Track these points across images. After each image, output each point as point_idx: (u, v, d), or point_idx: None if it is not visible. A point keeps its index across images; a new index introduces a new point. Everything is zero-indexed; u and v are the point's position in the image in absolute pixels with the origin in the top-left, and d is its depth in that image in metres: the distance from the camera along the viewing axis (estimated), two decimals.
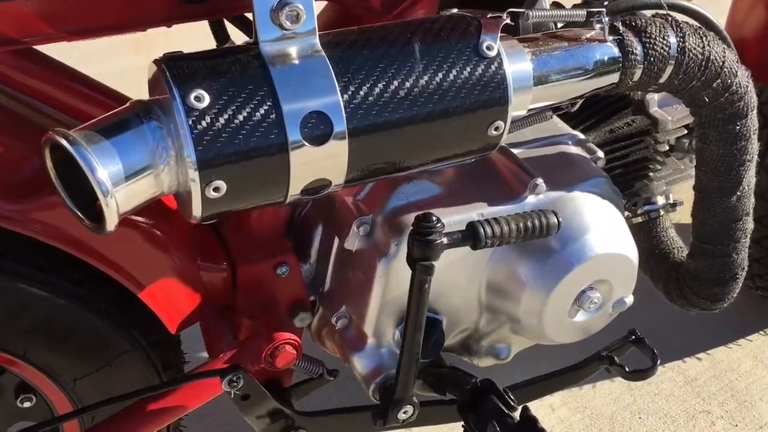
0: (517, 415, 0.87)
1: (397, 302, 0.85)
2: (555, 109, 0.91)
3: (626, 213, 1.12)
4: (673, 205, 1.12)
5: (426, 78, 0.65)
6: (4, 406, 0.88)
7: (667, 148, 1.05)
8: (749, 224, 0.95)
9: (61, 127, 0.58)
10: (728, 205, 0.92)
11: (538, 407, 1.31)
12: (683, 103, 0.88)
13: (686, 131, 1.05)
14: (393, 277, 0.83)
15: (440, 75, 0.65)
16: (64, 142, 0.55)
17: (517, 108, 0.71)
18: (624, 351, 0.96)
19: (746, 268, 0.99)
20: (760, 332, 1.47)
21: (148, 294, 0.78)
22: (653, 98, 1.02)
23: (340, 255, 0.88)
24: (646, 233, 1.12)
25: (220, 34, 0.86)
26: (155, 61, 0.60)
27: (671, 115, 1.02)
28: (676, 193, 1.15)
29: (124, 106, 0.60)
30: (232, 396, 0.81)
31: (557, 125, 0.95)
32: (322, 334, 0.94)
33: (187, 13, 0.69)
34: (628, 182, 1.07)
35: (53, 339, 0.80)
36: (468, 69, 0.66)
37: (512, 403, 0.87)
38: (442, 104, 0.65)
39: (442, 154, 0.69)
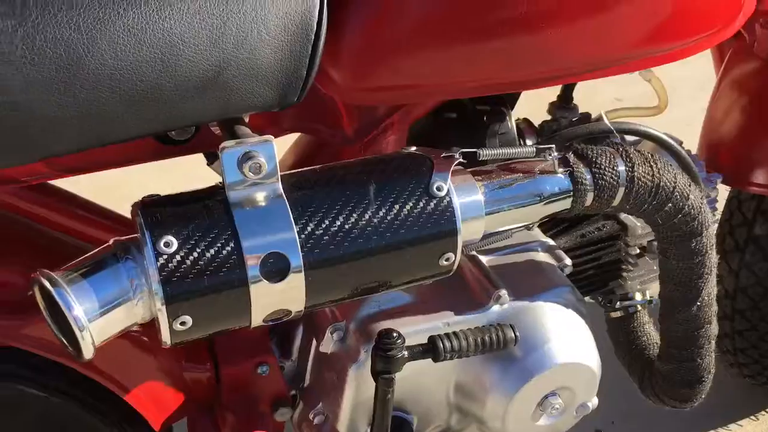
0: None
1: (368, 403, 0.90)
2: None
3: (603, 308, 1.16)
4: (650, 302, 1.16)
5: (379, 215, 0.71)
6: None
7: (639, 251, 1.10)
8: (712, 330, 0.98)
9: (68, 250, 0.65)
10: (690, 314, 0.96)
11: None
12: None
13: None
14: (363, 382, 0.88)
15: (392, 213, 0.72)
16: (46, 283, 0.63)
17: (469, 236, 0.77)
18: None
19: (713, 371, 1.02)
20: (751, 417, 1.49)
21: (133, 396, 0.85)
22: None
23: (317, 356, 0.94)
24: (623, 328, 1.16)
25: (209, 154, 0.94)
26: (134, 204, 0.68)
27: (640, 221, 1.07)
28: (654, 289, 1.19)
29: (106, 244, 0.68)
30: None
31: (529, 232, 1.01)
32: (302, 427, 1.00)
33: (170, 151, 0.77)
34: (602, 282, 1.11)
35: None
36: (419, 207, 0.72)
37: None
38: (394, 239, 0.72)
39: (396, 282, 0.75)
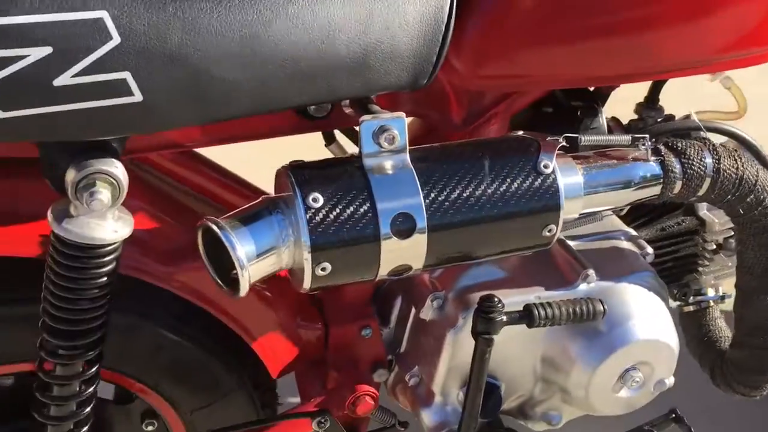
0: None
1: (462, 367, 0.99)
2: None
3: (677, 302, 1.23)
4: (722, 298, 1.23)
5: (492, 188, 0.81)
6: (132, 428, 1.07)
7: (715, 246, 1.17)
8: None
9: (208, 211, 0.76)
10: (765, 303, 1.03)
11: None
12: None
13: (733, 233, 1.16)
14: (459, 346, 0.98)
15: (504, 185, 0.81)
16: (214, 227, 0.74)
17: (569, 213, 0.86)
18: (664, 426, 1.07)
19: None
20: None
21: (258, 344, 0.96)
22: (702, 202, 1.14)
23: (415, 323, 1.04)
24: (695, 322, 1.23)
25: (328, 137, 1.05)
26: (283, 168, 0.79)
27: (718, 218, 1.14)
28: (727, 286, 1.25)
29: (258, 200, 0.79)
30: None
31: (613, 221, 1.09)
32: (396, 390, 1.09)
33: (309, 126, 0.88)
34: (678, 275, 1.19)
35: (180, 375, 0.99)
36: (527, 182, 0.82)
37: None
38: (505, 209, 0.81)
39: (503, 249, 0.85)
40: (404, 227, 0.78)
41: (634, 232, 1.08)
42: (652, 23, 0.84)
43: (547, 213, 0.83)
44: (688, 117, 1.02)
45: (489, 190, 0.81)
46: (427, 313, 1.00)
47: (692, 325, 1.23)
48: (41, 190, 0.76)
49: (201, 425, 1.03)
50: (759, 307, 1.03)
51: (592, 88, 1.05)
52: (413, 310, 1.04)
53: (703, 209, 1.14)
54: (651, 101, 1.10)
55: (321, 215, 0.75)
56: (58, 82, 0.63)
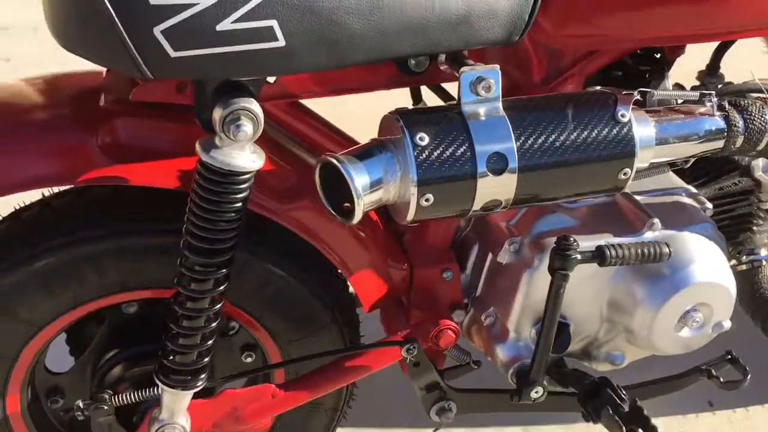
0: (626, 406, 1.09)
1: (535, 306, 1.09)
2: (672, 165, 1.14)
3: (732, 260, 1.32)
4: None
5: (575, 135, 0.91)
6: (232, 358, 1.19)
7: None
8: None
9: (314, 158, 0.87)
10: None
11: None
12: None
13: None
14: (533, 285, 1.08)
15: (585, 133, 0.91)
16: (335, 161, 0.86)
17: (642, 161, 0.96)
18: (721, 367, 1.16)
19: None
20: None
21: (354, 278, 1.07)
22: (758, 164, 1.23)
23: (492, 267, 1.14)
24: (749, 280, 1.32)
25: (416, 95, 1.16)
26: (389, 114, 0.90)
27: None
28: None
29: (368, 142, 0.90)
30: (407, 362, 1.08)
31: (674, 180, 1.18)
32: (471, 331, 1.20)
33: (409, 81, 0.99)
34: (733, 233, 1.27)
35: (282, 309, 1.10)
36: (606, 130, 0.92)
37: (623, 396, 1.09)
38: (586, 154, 0.91)
39: (583, 190, 0.95)
40: (498, 166, 0.88)
41: (694, 190, 1.17)
42: None
43: (623, 158, 0.93)
44: (745, 81, 1.11)
45: (572, 136, 0.91)
46: (504, 256, 1.10)
47: (746, 283, 1.32)
48: (184, 132, 0.88)
49: (296, 355, 1.14)
50: None
51: (658, 55, 1.15)
52: (490, 256, 1.14)
53: (759, 170, 1.23)
54: (712, 68, 1.19)
55: (426, 153, 0.86)
56: (220, 27, 0.75)
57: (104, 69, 0.98)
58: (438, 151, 0.87)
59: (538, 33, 0.95)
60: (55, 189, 1.02)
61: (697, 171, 1.23)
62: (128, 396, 1.04)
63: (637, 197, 1.13)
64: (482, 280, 1.16)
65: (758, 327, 1.30)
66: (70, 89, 0.97)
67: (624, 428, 1.05)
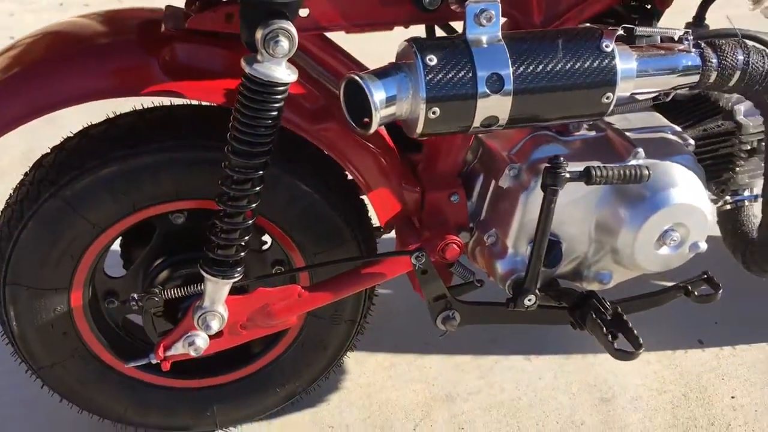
0: (609, 314, 1.23)
1: (531, 224, 1.24)
2: (658, 106, 1.28)
3: (717, 200, 1.45)
4: (756, 197, 1.44)
5: (564, 62, 1.06)
6: (265, 270, 1.35)
7: (749, 148, 1.38)
8: None
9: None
10: None
11: (636, 360, 1.64)
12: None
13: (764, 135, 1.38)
14: (530, 205, 1.23)
15: (573, 59, 1.06)
16: (357, 78, 1.01)
17: (623, 89, 1.10)
18: (697, 285, 1.30)
19: None
20: None
21: (372, 195, 1.23)
22: (740, 107, 1.36)
23: (494, 192, 1.29)
24: (731, 218, 1.45)
25: (429, 32, 1.31)
26: (405, 41, 1.06)
27: (753, 122, 1.35)
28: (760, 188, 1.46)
29: (387, 65, 1.05)
30: (416, 269, 1.24)
31: (660, 120, 1.32)
32: (475, 252, 1.35)
33: (424, 18, 1.14)
34: (717, 172, 1.40)
35: (308, 223, 1.26)
36: (591, 58, 1.06)
37: (607, 306, 1.24)
38: (574, 78, 1.06)
39: (571, 112, 1.10)
40: (495, 87, 1.03)
41: (678, 128, 1.31)
42: None
43: (606, 84, 1.08)
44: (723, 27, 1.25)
45: (561, 64, 1.06)
46: (505, 181, 1.25)
47: (728, 221, 1.45)
48: (232, 56, 1.04)
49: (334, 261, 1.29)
50: None
51: (649, 6, 1.28)
52: (493, 183, 1.29)
53: (740, 114, 1.36)
54: (698, 19, 1.32)
55: (434, 73, 1.02)
56: None
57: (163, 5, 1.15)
58: (444, 72, 1.02)
59: None
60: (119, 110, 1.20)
61: (684, 113, 1.37)
62: (176, 291, 1.22)
63: (629, 132, 1.28)
64: (486, 205, 1.31)
65: (738, 260, 1.43)
66: (135, 20, 1.15)
67: (605, 329, 1.19)
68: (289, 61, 1.01)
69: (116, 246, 1.32)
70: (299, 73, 1.15)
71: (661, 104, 1.31)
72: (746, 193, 1.44)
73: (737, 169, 1.39)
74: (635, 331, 1.20)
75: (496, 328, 1.62)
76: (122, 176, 1.16)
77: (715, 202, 1.45)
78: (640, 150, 1.22)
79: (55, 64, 1.08)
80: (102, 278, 1.33)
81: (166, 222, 1.28)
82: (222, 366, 1.41)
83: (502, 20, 1.23)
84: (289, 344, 1.40)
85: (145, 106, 1.22)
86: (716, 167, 1.40)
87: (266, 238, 1.35)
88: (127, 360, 1.28)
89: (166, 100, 1.18)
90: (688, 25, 1.34)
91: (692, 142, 1.28)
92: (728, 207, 1.45)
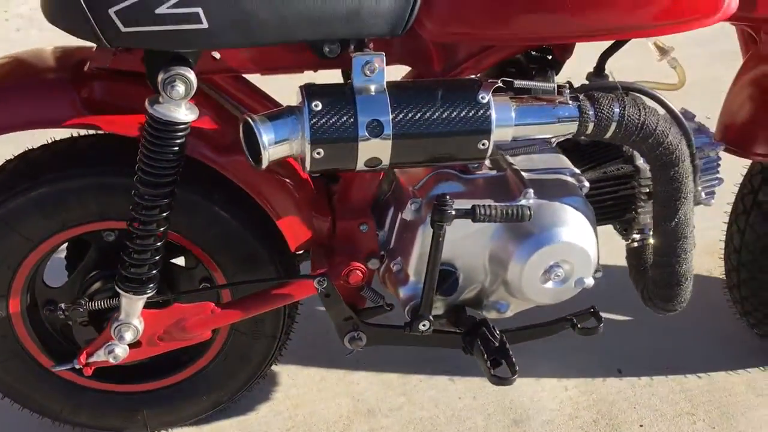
0: (496, 342, 1.32)
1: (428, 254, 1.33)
2: (565, 148, 1.37)
3: (627, 237, 1.52)
4: None
5: (442, 111, 1.16)
6: (192, 287, 1.46)
7: (648, 191, 1.45)
8: (688, 244, 1.34)
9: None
10: (670, 229, 1.33)
11: (553, 386, 1.72)
12: None
13: None
14: (427, 238, 1.32)
15: (450, 110, 1.16)
16: (250, 120, 1.13)
17: (500, 136, 1.20)
18: (584, 318, 1.38)
19: (690, 279, 1.37)
20: (760, 368, 1.77)
21: (281, 223, 1.33)
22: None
23: (400, 223, 1.39)
24: (636, 255, 1.53)
25: (346, 78, 1.42)
26: (300, 86, 1.17)
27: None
28: None
29: (282, 107, 1.17)
30: (319, 292, 1.34)
31: (562, 160, 1.41)
32: (385, 277, 1.45)
33: (326, 65, 1.25)
34: (619, 213, 1.48)
35: (227, 246, 1.36)
36: (468, 108, 1.16)
37: (496, 335, 1.33)
38: (450, 127, 1.16)
39: (449, 155, 1.19)
40: (375, 132, 1.14)
41: (576, 170, 1.39)
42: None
43: (481, 132, 1.17)
44: (609, 80, 1.33)
45: (439, 112, 1.16)
46: (408, 214, 1.35)
47: (633, 258, 1.53)
48: (144, 93, 1.16)
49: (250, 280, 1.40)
50: (664, 231, 1.33)
51: (550, 57, 1.38)
52: (399, 214, 1.39)
53: (639, 159, 1.44)
54: (599, 70, 1.41)
55: (319, 117, 1.13)
56: (158, 11, 1.03)
57: (94, 45, 1.27)
58: (328, 117, 1.13)
59: (423, 30, 1.20)
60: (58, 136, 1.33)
61: (587, 156, 1.45)
62: (99, 303, 1.34)
63: (526, 173, 1.37)
64: (394, 235, 1.41)
65: (639, 294, 1.50)
66: (65, 59, 1.27)
67: (486, 356, 1.28)
68: (205, 99, 1.13)
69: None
70: (215, 110, 1.27)
71: (566, 146, 1.41)
72: (649, 231, 1.51)
73: (639, 210, 1.47)
74: (513, 359, 1.28)
75: (428, 348, 1.72)
76: (52, 197, 1.29)
77: (625, 239, 1.53)
78: (530, 190, 1.31)
79: None
80: (41, 287, 1.45)
81: (99, 238, 1.40)
82: (153, 373, 1.52)
83: (407, 70, 1.35)
84: (214, 356, 1.51)
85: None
86: (618, 208, 1.48)
87: None
88: (56, 364, 1.40)
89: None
90: (589, 75, 1.43)
91: (587, 184, 1.37)
92: (635, 245, 1.53)
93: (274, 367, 1.72)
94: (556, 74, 1.38)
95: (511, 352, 1.30)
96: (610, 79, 1.42)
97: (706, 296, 1.85)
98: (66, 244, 1.44)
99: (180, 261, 1.49)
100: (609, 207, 1.47)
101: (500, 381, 1.28)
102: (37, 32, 3.20)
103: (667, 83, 1.46)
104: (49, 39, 1.42)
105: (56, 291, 1.46)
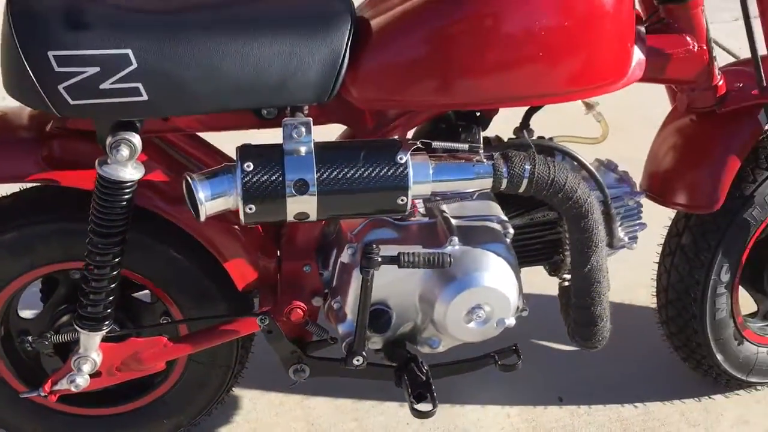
0: (423, 377, 1.44)
1: None
2: (500, 196, 1.48)
3: (558, 276, 1.63)
4: None
5: (363, 170, 1.28)
6: (153, 320, 1.60)
7: None
8: (603, 288, 1.45)
9: (197, 170, 1.28)
10: (584, 274, 1.44)
11: (497, 413, 1.83)
12: None
13: None
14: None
15: (371, 169, 1.28)
16: (188, 178, 1.26)
17: (419, 192, 1.32)
18: (506, 355, 1.50)
19: (606, 319, 1.48)
20: (694, 398, 1.87)
21: (228, 265, 1.46)
22: None
23: (341, 266, 1.51)
24: (565, 294, 1.63)
25: None
26: (236, 147, 1.29)
27: None
28: None
29: (219, 166, 1.29)
30: (262, 329, 1.47)
31: (492, 208, 1.52)
32: (328, 314, 1.57)
33: (266, 125, 1.37)
34: (547, 255, 1.60)
35: (181, 284, 1.50)
36: (387, 167, 1.28)
37: (423, 369, 1.44)
38: (371, 184, 1.28)
39: (371, 210, 1.32)
40: (301, 190, 1.26)
41: (504, 217, 1.51)
42: (486, 72, 1.28)
43: (399, 189, 1.29)
44: (522, 137, 1.45)
45: (361, 171, 1.28)
46: (345, 257, 1.47)
47: (563, 296, 1.64)
48: (98, 152, 1.30)
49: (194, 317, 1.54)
50: (578, 276, 1.44)
51: (478, 113, 1.50)
52: (339, 257, 1.52)
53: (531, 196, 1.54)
54: (524, 125, 1.53)
55: (250, 176, 1.25)
56: (102, 86, 1.16)
57: None
58: (258, 177, 1.25)
59: (350, 96, 1.33)
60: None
61: (517, 203, 1.56)
62: (63, 336, 1.47)
63: (456, 220, 1.49)
64: (335, 275, 1.53)
65: (567, 329, 1.61)
66: (31, 119, 1.41)
67: (410, 390, 1.40)
68: (158, 153, 1.26)
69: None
70: (167, 164, 1.41)
71: (498, 193, 1.52)
72: None
73: (565, 253, 1.58)
74: (435, 395, 1.40)
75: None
76: (21, 241, 1.43)
77: (558, 278, 1.65)
78: (455, 238, 1.43)
79: None
80: (15, 319, 1.59)
81: (66, 276, 1.54)
82: (119, 398, 1.65)
83: (343, 128, 1.47)
84: (174, 383, 1.64)
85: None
86: (545, 251, 1.59)
87: None
88: (24, 391, 1.53)
89: None
90: (516, 130, 1.55)
91: (511, 231, 1.48)
92: (565, 284, 1.63)
93: (236, 391, 1.85)
94: (483, 130, 1.50)
95: (433, 387, 1.42)
96: (535, 134, 1.54)
97: (647, 328, 1.95)
98: (40, 280, 1.58)
99: (145, 295, 1.62)
100: (537, 250, 1.59)
101: (420, 414, 1.39)
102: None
103: (589, 137, 1.57)
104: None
105: (29, 322, 1.59)
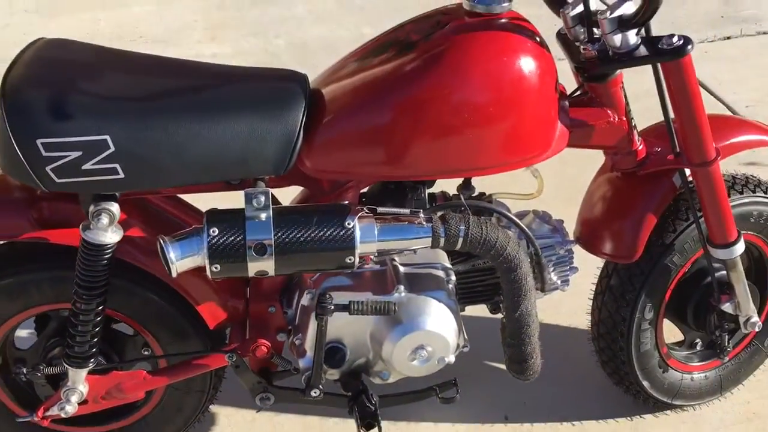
0: (372, 406, 1.63)
1: None
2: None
3: (495, 314, 1.82)
4: None
5: (316, 232, 1.46)
6: (135, 352, 1.79)
7: None
8: (532, 330, 1.63)
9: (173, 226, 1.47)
10: (514, 318, 1.62)
11: (447, 429, 2.02)
12: None
13: None
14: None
15: (323, 231, 1.46)
16: (160, 240, 1.44)
17: (365, 251, 1.50)
18: (447, 387, 1.69)
19: (536, 357, 1.67)
20: (627, 418, 2.06)
21: (200, 308, 1.65)
22: None
23: (301, 308, 1.70)
24: (504, 330, 1.82)
25: None
26: (205, 212, 1.47)
27: None
28: None
29: (189, 229, 1.48)
30: (230, 364, 1.66)
31: (438, 256, 1.71)
32: (291, 348, 1.76)
33: (235, 188, 1.55)
34: (487, 297, 1.78)
35: (160, 322, 1.69)
36: (336, 230, 1.46)
37: (372, 400, 1.64)
38: (322, 245, 1.46)
39: (323, 267, 1.50)
40: (260, 252, 1.44)
41: (448, 264, 1.69)
42: (429, 146, 1.46)
43: (347, 249, 1.48)
44: (460, 198, 1.64)
45: (313, 233, 1.46)
46: (305, 300, 1.66)
47: (503, 332, 1.82)
48: (81, 210, 1.48)
49: (173, 351, 1.72)
50: (511, 319, 1.63)
51: None
52: (301, 300, 1.70)
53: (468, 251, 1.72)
54: (466, 184, 1.71)
55: (215, 239, 1.44)
56: (84, 167, 1.34)
57: None
58: (222, 240, 1.44)
59: (304, 167, 1.50)
60: None
61: (461, 251, 1.75)
62: (54, 369, 1.66)
63: (404, 267, 1.67)
64: (297, 316, 1.72)
65: (505, 362, 1.80)
66: (21, 184, 1.59)
67: (359, 419, 1.59)
68: (139, 212, 1.44)
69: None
70: (146, 221, 1.59)
71: None
72: None
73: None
74: (381, 425, 1.59)
75: None
76: (16, 286, 1.61)
77: (501, 315, 1.83)
78: (401, 286, 1.61)
79: None
80: (12, 351, 1.78)
81: (57, 314, 1.73)
82: (107, 418, 1.85)
83: (302, 189, 1.65)
84: (154, 406, 1.83)
85: None
86: (486, 293, 1.78)
87: None
88: (20, 416, 1.73)
89: None
90: (459, 187, 1.73)
91: (453, 278, 1.67)
92: (505, 320, 1.82)
93: (213, 409, 2.04)
94: (429, 187, 1.68)
95: (379, 417, 1.61)
96: (477, 190, 1.72)
97: (585, 354, 2.14)
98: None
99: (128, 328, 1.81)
100: (479, 292, 1.77)
101: None
102: None
103: (524, 193, 1.75)
104: None
105: (25, 352, 1.78)
